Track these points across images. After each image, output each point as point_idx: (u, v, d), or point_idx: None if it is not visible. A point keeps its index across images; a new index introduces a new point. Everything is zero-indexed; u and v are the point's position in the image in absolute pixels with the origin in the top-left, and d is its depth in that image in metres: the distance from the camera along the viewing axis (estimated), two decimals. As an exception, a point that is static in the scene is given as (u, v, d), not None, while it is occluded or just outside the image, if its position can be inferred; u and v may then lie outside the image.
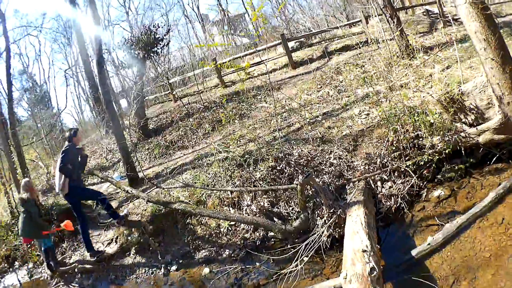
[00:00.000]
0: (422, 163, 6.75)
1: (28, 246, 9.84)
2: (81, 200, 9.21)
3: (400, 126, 7.14)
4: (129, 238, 8.55)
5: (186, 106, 17.06)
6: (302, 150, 7.89)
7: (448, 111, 7.04)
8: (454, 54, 10.42)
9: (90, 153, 18.09)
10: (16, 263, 10.10)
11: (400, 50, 12.08)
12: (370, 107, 9.10)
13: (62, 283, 8.71)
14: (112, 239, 8.93)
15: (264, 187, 7.17)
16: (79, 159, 8.91)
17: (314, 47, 18.98)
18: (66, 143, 8.78)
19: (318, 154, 7.73)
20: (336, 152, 7.63)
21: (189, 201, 8.12)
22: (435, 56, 11.13)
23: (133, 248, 8.39)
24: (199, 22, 48.72)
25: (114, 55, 29.65)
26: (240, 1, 50.91)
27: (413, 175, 6.70)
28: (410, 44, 11.94)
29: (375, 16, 17.21)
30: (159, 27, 17.76)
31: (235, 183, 7.75)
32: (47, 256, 8.99)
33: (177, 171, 10.40)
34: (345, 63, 14.38)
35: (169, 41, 18.50)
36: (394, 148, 7.08)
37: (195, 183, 8.58)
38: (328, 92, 11.77)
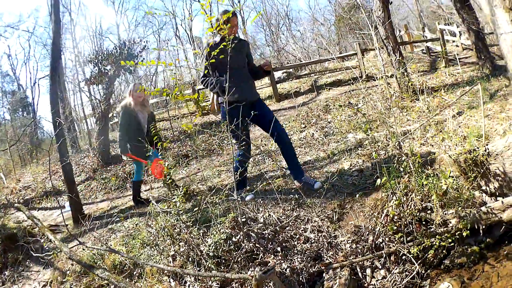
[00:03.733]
0: (428, 247, 4.83)
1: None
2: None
3: (404, 195, 5.21)
4: (61, 286, 6.93)
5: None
6: (270, 215, 5.87)
7: (466, 176, 5.27)
8: (463, 98, 8.91)
9: (52, 172, 16.45)
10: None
11: (401, 90, 10.45)
12: (364, 160, 7.22)
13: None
14: (47, 282, 7.34)
15: (207, 271, 5.20)
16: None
17: (302, 80, 17.88)
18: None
19: (291, 223, 5.67)
20: (315, 221, 5.62)
21: (125, 259, 6.28)
22: (441, 99, 9.51)
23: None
24: (190, 44, 47.88)
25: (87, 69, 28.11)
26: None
27: (415, 262, 4.79)
28: (413, 83, 10.32)
29: (372, 49, 16.15)
30: (135, 42, 16.34)
31: (179, 250, 5.75)
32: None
33: (124, 213, 8.75)
34: (336, 100, 12.81)
35: (144, 59, 16.91)
36: (393, 225, 5.13)
37: (133, 239, 6.83)
38: (313, 133, 9.95)
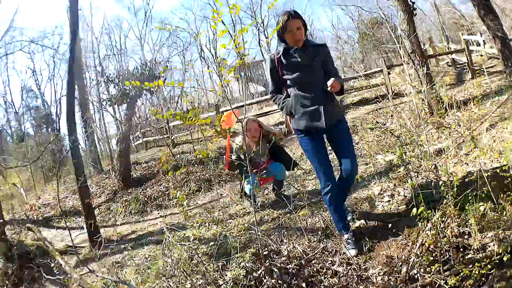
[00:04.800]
0: (467, 276, 4.30)
1: None
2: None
3: (441, 221, 4.75)
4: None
5: (175, 156, 15.25)
6: (294, 247, 5.41)
7: (505, 195, 4.75)
8: (491, 109, 8.52)
9: (71, 192, 16.65)
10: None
11: (429, 106, 10.03)
12: (395, 184, 6.75)
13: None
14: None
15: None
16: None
17: (328, 99, 17.55)
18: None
19: (317, 255, 5.18)
20: (343, 253, 5.20)
21: (140, 290, 5.95)
22: (470, 112, 9.10)
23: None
24: (215, 65, 47.91)
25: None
26: (258, 48, 50.04)
27: None
28: (441, 99, 9.91)
29: (398, 65, 15.90)
30: (156, 62, 16.20)
31: (196, 283, 5.30)
32: None
33: (142, 240, 8.70)
34: (363, 120, 12.48)
35: (165, 79, 16.73)
36: (430, 255, 4.65)
37: (148, 268, 6.47)
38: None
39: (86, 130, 19.17)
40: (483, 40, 19.11)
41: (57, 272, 7.33)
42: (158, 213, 10.95)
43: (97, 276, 6.35)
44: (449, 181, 4.76)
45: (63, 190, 17.92)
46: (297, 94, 5.13)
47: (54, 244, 9.72)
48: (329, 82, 4.79)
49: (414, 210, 4.60)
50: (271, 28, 50.98)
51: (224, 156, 7.96)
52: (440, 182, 4.83)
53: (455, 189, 4.76)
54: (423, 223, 4.86)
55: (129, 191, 14.10)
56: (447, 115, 9.54)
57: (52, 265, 7.93)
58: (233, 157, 7.38)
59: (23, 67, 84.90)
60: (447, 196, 4.75)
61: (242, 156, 7.13)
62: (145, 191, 13.32)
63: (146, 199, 12.36)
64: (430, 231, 4.70)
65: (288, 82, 5.21)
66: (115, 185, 15.36)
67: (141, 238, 8.91)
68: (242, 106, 18.98)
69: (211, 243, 5.83)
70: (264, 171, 7.45)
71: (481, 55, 19.94)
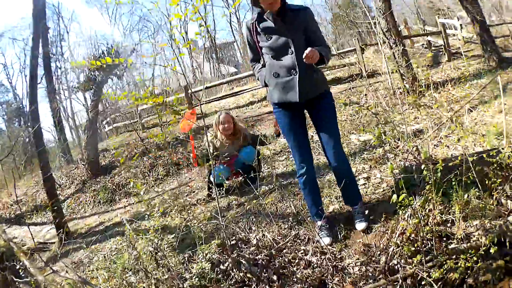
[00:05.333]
0: (452, 268, 3.95)
1: None
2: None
3: (422, 209, 4.40)
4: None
5: (143, 140, 14.86)
6: (264, 235, 5.01)
7: (490, 181, 4.40)
8: (472, 92, 8.25)
9: (41, 185, 16.17)
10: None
11: (405, 85, 9.75)
12: (371, 166, 6.42)
13: None
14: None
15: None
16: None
17: (300, 79, 17.33)
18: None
19: (288, 244, 4.80)
20: (317, 241, 4.77)
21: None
22: (449, 94, 8.87)
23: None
24: (187, 48, 47.36)
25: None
26: (229, 28, 49.68)
27: (435, 285, 3.91)
28: (418, 79, 9.63)
29: (371, 45, 15.72)
30: (124, 46, 15.89)
31: (162, 277, 4.90)
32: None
33: (109, 231, 8.36)
34: (336, 99, 12.20)
35: (133, 63, 16.38)
36: (411, 245, 4.28)
37: (114, 263, 6.06)
38: (312, 136, 8.85)
39: (54, 119, 18.71)
40: (460, 25, 18.95)
41: (23, 275, 7.02)
42: (127, 201, 10.72)
43: (60, 276, 6.03)
44: (431, 165, 4.41)
45: (34, 184, 17.70)
46: (271, 63, 4.66)
47: (25, 242, 9.44)
48: (306, 51, 4.25)
49: (395, 196, 4.21)
50: (243, 9, 50.58)
51: (191, 155, 8.17)
52: (423, 166, 4.44)
53: (439, 175, 4.42)
54: (403, 210, 4.51)
55: (97, 179, 13.84)
56: (424, 95, 9.28)
57: (18, 267, 7.63)
58: (211, 149, 7.15)
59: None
60: (429, 181, 4.40)
61: (211, 150, 7.03)
62: (113, 178, 13.04)
63: (114, 187, 12.10)
64: (410, 218, 4.34)
65: (263, 49, 4.73)
66: (83, 174, 15.05)
67: (108, 229, 8.63)
68: (212, 86, 18.78)
69: (173, 235, 5.46)
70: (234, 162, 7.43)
71: (458, 39, 19.79)
